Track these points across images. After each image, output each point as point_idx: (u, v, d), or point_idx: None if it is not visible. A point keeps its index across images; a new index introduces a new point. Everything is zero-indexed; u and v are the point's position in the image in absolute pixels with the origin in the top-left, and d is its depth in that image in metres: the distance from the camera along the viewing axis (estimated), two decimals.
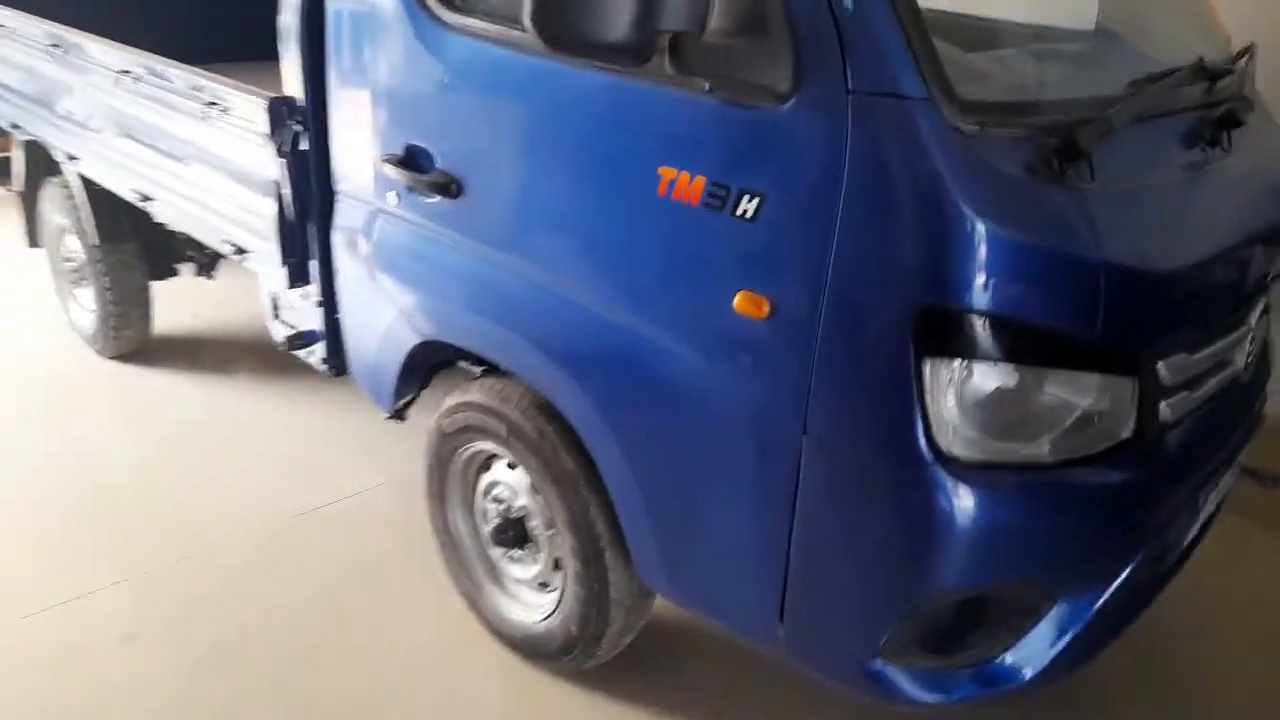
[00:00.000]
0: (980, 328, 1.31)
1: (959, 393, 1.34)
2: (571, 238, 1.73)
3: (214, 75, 2.50)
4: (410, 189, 1.99)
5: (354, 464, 3.16)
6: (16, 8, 3.40)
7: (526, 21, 1.40)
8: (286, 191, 2.32)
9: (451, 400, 2.20)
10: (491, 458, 2.24)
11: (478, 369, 2.22)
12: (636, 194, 1.57)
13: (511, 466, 2.18)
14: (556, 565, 2.17)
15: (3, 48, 3.54)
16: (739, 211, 1.44)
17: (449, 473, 2.32)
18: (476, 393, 2.12)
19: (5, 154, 3.97)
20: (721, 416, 1.58)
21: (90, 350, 3.87)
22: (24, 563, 2.64)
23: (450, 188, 1.89)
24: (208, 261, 3.63)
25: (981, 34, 1.88)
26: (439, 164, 1.91)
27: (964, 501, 1.36)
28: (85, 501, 2.91)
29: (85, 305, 3.88)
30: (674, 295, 1.58)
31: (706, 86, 1.44)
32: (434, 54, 1.87)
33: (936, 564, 1.42)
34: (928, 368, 1.33)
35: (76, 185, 3.41)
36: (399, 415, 2.41)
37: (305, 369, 2.72)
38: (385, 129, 2.01)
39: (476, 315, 1.98)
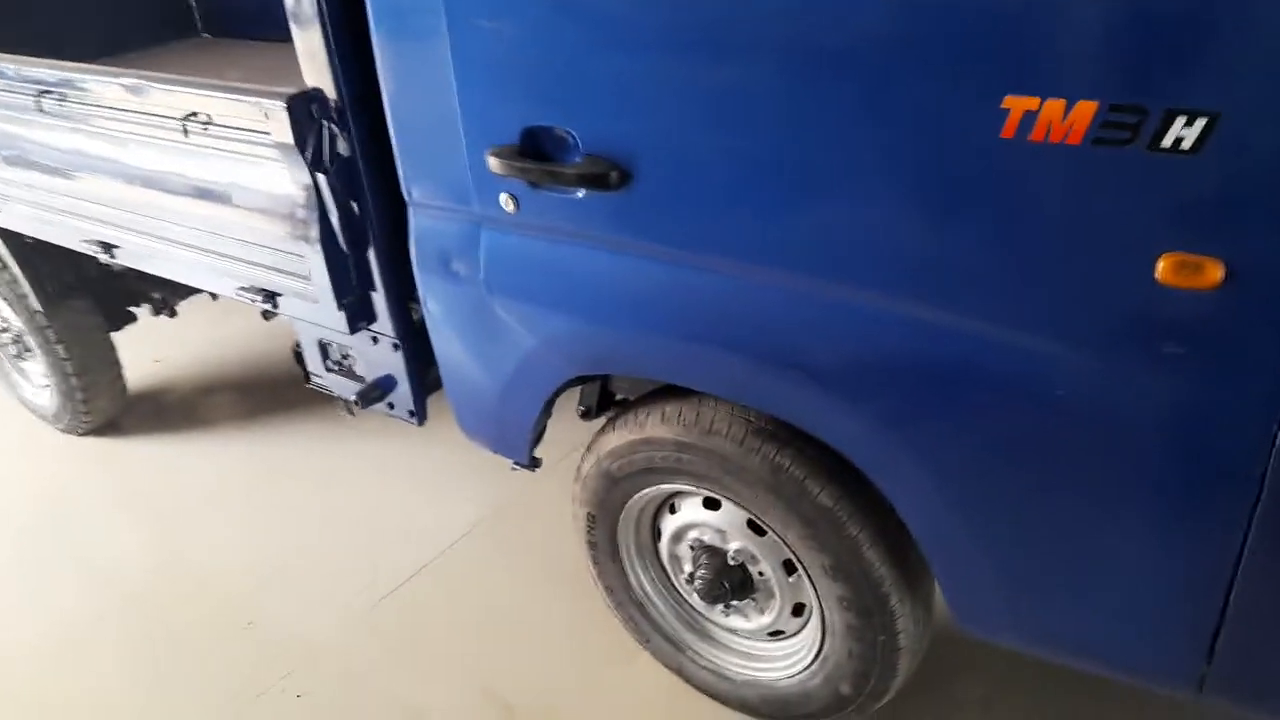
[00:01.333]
0: None
1: None
2: (843, 221, 1.23)
3: (176, 77, 1.86)
4: (536, 185, 1.46)
5: (430, 507, 2.67)
6: None
7: None
8: (333, 215, 1.75)
9: (618, 438, 1.72)
10: (674, 495, 1.79)
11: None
12: (964, 142, 1.08)
13: (712, 505, 1.73)
14: (796, 612, 1.76)
15: None
16: (1167, 141, 0.97)
17: (619, 523, 1.86)
18: (661, 427, 1.64)
19: None
20: (1122, 427, 1.15)
21: (58, 432, 3.22)
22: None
23: (609, 177, 1.36)
24: (168, 298, 3.00)
25: None
26: (586, 147, 1.37)
27: None
28: (140, 631, 2.37)
29: (37, 381, 3.21)
30: (1039, 276, 1.12)
31: None
32: None
33: None
34: None
35: None
36: (534, 463, 1.93)
37: (313, 403, 2.20)
38: (487, 110, 1.46)
39: (667, 336, 1.49)
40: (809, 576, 1.62)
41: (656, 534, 1.89)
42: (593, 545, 1.93)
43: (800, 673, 1.75)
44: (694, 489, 1.71)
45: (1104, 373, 1.13)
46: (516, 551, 2.46)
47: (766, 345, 1.38)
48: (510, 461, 1.95)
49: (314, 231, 1.77)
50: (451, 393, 1.94)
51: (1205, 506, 1.15)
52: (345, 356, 2.10)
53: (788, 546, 1.61)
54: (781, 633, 1.81)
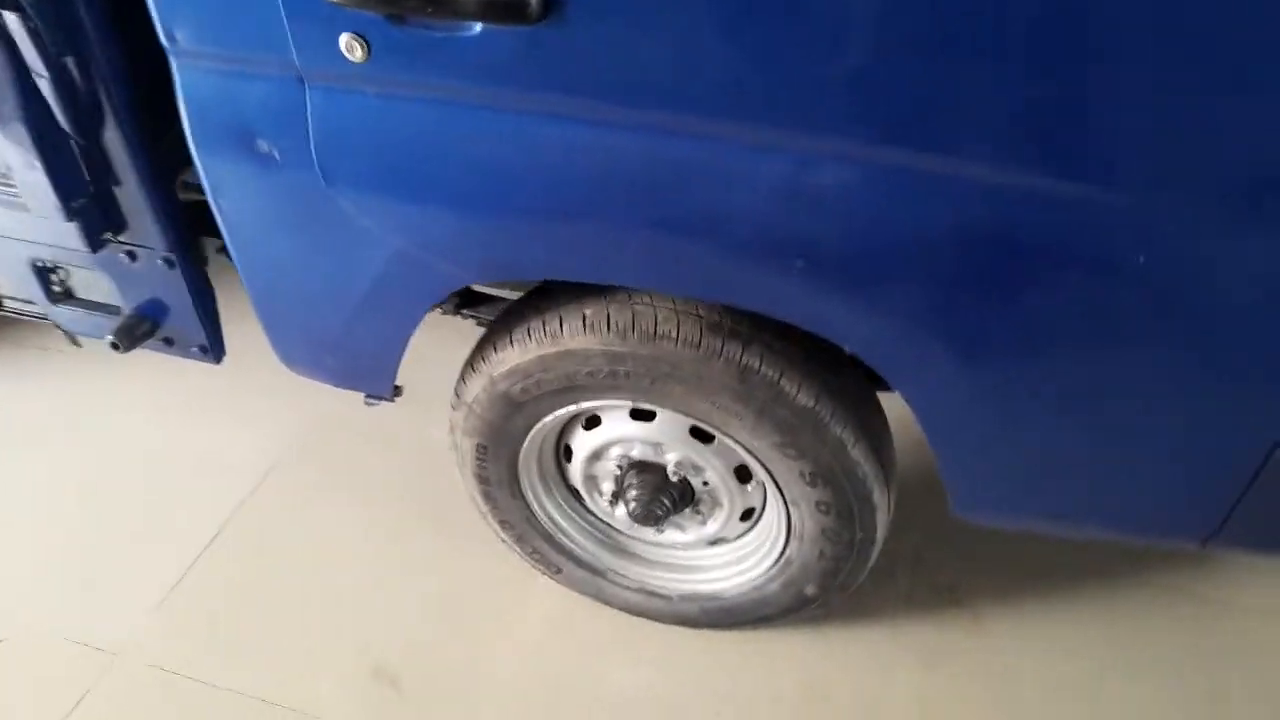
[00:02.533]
0: None
1: None
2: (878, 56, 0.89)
3: None
4: (399, 19, 0.97)
5: (220, 449, 2.12)
6: None
7: None
8: (42, 77, 1.12)
9: (520, 354, 1.34)
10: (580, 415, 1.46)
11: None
12: None
13: (642, 416, 1.43)
14: (744, 517, 1.54)
15: None
16: None
17: (521, 451, 1.50)
18: (585, 337, 1.28)
19: None
20: (1178, 291, 0.98)
21: None
22: None
23: (527, 8, 0.92)
24: None
25: None
26: None
27: None
28: None
29: None
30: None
31: None
32: None
33: None
34: None
35: None
36: (396, 392, 1.49)
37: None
38: None
39: (615, 225, 1.10)
40: (777, 485, 1.39)
41: (566, 454, 1.57)
42: (484, 480, 1.56)
43: (755, 579, 1.55)
44: (623, 403, 1.39)
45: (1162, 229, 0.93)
46: (342, 492, 2.02)
47: (758, 227, 1.05)
48: (362, 395, 1.50)
49: (9, 105, 1.14)
50: (265, 317, 1.42)
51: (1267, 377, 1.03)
52: (87, 285, 1.48)
53: (750, 454, 1.36)
54: (724, 539, 1.60)
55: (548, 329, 1.32)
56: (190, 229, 1.40)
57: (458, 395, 1.48)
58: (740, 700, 1.62)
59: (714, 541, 1.60)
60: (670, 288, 1.20)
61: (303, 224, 1.23)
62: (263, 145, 1.15)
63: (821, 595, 1.52)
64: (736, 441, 1.35)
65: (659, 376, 1.28)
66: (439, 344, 1.66)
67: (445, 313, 1.64)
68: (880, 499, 1.37)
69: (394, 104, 1.07)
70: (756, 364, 1.24)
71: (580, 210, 1.09)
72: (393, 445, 2.11)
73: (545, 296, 1.37)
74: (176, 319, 1.47)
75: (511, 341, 1.36)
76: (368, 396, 1.50)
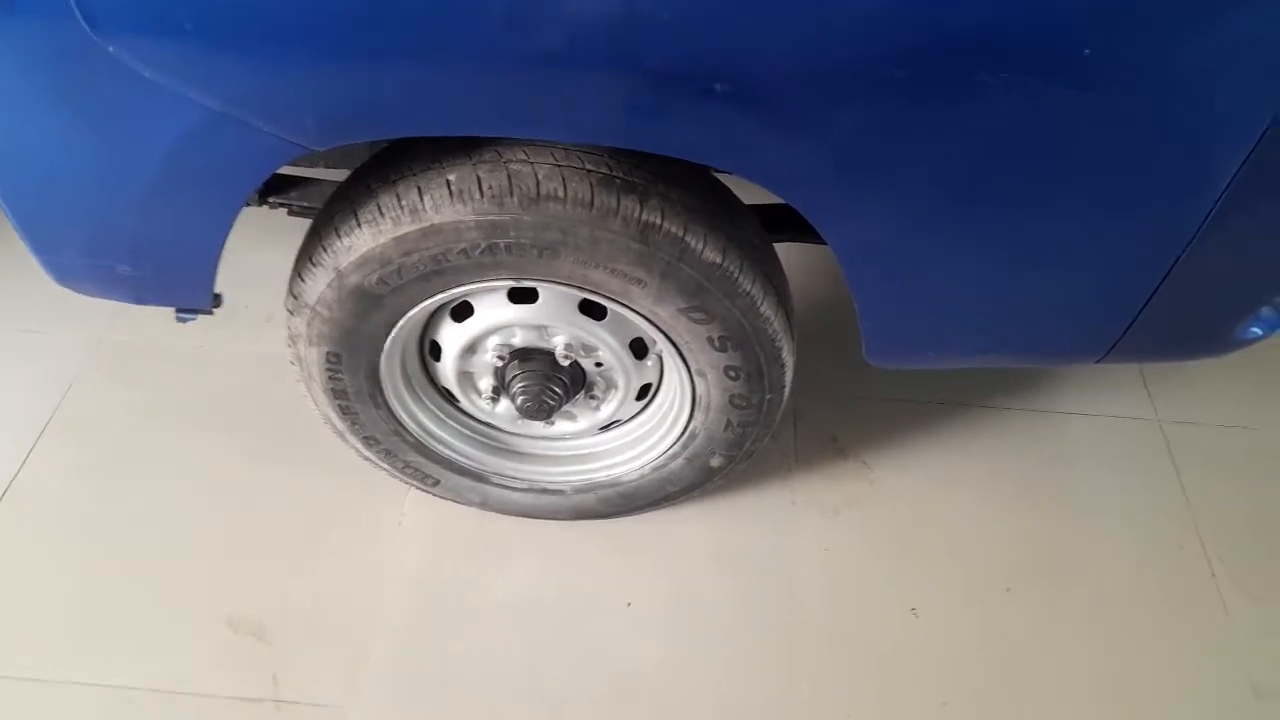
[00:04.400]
0: None
1: None
2: None
3: None
4: None
5: None
6: None
7: None
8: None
9: (373, 237, 1.11)
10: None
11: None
12: None
13: (521, 299, 1.25)
14: (639, 396, 1.41)
15: None
16: None
17: (383, 354, 1.28)
18: (454, 207, 1.07)
19: None
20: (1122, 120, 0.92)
21: None
22: None
23: None
24: None
25: None
26: None
27: None
28: None
29: None
30: None
31: None
32: None
33: None
34: None
35: None
36: (216, 302, 1.22)
37: None
38: None
39: (498, 59, 0.89)
40: (681, 355, 1.27)
41: (434, 352, 1.36)
42: (339, 394, 1.34)
43: (655, 459, 1.45)
44: (500, 284, 1.20)
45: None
46: (156, 429, 1.71)
47: (673, 42, 0.88)
48: (171, 311, 1.22)
49: None
50: (23, 224, 1.09)
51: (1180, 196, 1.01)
52: None
53: (652, 323, 1.22)
54: (619, 422, 1.48)
55: (404, 203, 1.09)
56: None
57: (295, 296, 1.23)
58: (653, 585, 1.54)
59: (607, 426, 1.48)
60: (559, 131, 1.00)
61: (61, 90, 0.93)
62: None
63: (727, 465, 1.44)
64: (635, 312, 1.21)
65: (547, 246, 1.11)
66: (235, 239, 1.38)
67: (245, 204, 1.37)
68: (788, 355, 1.28)
69: None
70: (658, 219, 1.09)
71: (449, 40, 0.88)
72: (205, 365, 1.81)
73: (391, 164, 1.13)
74: None
75: (359, 223, 1.13)
76: (179, 311, 1.22)
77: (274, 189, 1.42)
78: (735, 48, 0.87)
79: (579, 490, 1.51)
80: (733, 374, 1.27)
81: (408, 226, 1.10)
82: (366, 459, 1.48)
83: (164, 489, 1.62)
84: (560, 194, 1.07)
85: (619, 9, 0.84)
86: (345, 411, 1.37)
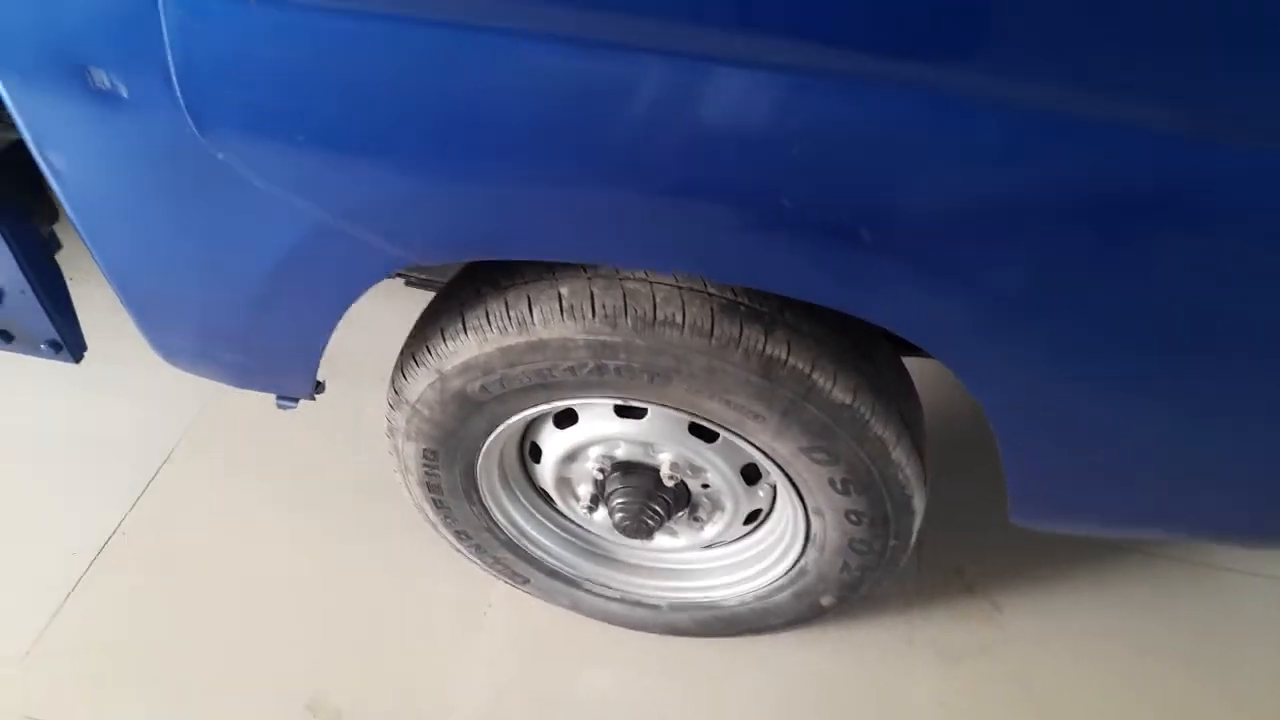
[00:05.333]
0: None
1: None
2: None
3: None
4: None
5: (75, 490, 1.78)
6: None
7: None
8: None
9: (477, 346, 1.04)
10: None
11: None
12: None
13: (628, 413, 1.16)
14: (748, 519, 1.30)
15: None
16: None
17: (480, 457, 1.22)
18: (565, 324, 0.99)
19: None
20: None
21: None
22: None
23: None
24: None
25: None
26: None
27: None
28: None
29: None
30: None
31: None
32: None
33: None
34: None
35: None
36: (319, 389, 1.18)
37: None
38: None
39: (634, 185, 0.81)
40: (796, 490, 1.15)
41: (534, 454, 1.30)
42: (433, 489, 1.28)
43: (759, 589, 1.33)
44: (606, 401, 1.12)
45: None
46: (252, 489, 1.71)
47: (813, 191, 0.77)
48: (272, 398, 1.19)
49: None
50: (133, 306, 1.08)
51: None
52: None
53: (767, 456, 1.11)
54: (722, 543, 1.37)
55: (513, 314, 1.03)
56: (16, 186, 1.05)
57: (396, 392, 1.18)
58: (744, 715, 1.42)
59: (710, 545, 1.37)
60: (689, 264, 0.91)
61: (171, 186, 0.90)
62: (100, 78, 0.81)
63: (838, 605, 1.31)
64: (750, 444, 1.10)
65: (659, 372, 1.02)
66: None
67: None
68: (919, 503, 1.15)
69: (294, 13, 0.74)
70: (783, 353, 0.98)
71: (574, 167, 0.80)
72: (314, 426, 1.80)
73: (501, 268, 1.07)
74: (12, 307, 1.12)
75: (465, 329, 1.07)
76: (280, 398, 1.19)
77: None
78: (890, 195, 0.76)
79: (675, 608, 1.40)
80: (854, 519, 1.14)
81: (514, 338, 1.03)
82: (457, 550, 1.42)
83: (256, 549, 1.60)
84: (678, 320, 0.98)
85: (762, 148, 0.74)
86: (439, 505, 1.32)
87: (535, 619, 1.51)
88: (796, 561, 1.26)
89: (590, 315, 0.99)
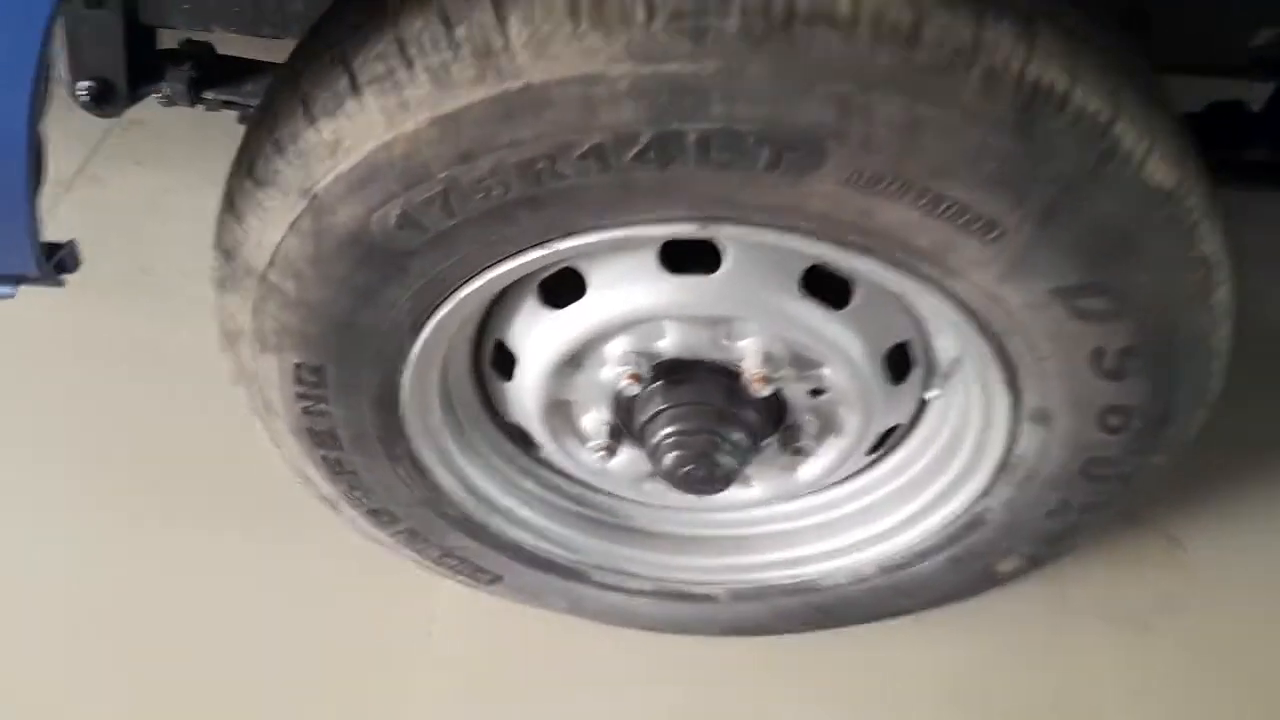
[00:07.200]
0: None
1: None
2: None
3: None
4: None
5: None
6: None
7: None
8: None
9: (382, 124, 0.48)
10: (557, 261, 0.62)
11: None
12: None
13: (682, 264, 0.61)
14: (877, 445, 0.77)
15: None
16: None
17: (404, 370, 0.65)
18: (562, 44, 0.44)
19: None
20: None
21: None
22: None
23: None
24: None
25: None
26: None
27: None
28: None
29: None
30: None
31: None
32: None
33: None
34: None
35: None
36: (60, 270, 0.58)
37: None
38: None
39: None
40: (1012, 379, 0.62)
41: (502, 362, 0.73)
42: (322, 439, 0.71)
43: (892, 554, 0.80)
44: (658, 229, 0.56)
45: None
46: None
47: None
48: None
49: None
50: None
51: None
52: None
53: (974, 316, 0.58)
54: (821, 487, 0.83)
55: (461, 30, 0.46)
56: None
57: (226, 254, 0.60)
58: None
59: (804, 492, 0.84)
60: None
61: None
62: None
63: (1024, 572, 0.81)
64: (946, 294, 0.57)
65: (797, 142, 0.47)
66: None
67: (167, 100, 0.75)
68: (1217, 385, 0.64)
69: None
70: (1064, 82, 0.46)
71: None
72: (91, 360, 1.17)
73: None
74: None
75: (354, 86, 0.50)
76: None
77: (209, 80, 0.79)
78: None
79: (741, 597, 0.87)
80: (1116, 423, 0.63)
81: (468, 89, 0.46)
82: (376, 541, 0.85)
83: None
84: (847, 8, 0.43)
85: None
86: (335, 468, 0.74)
87: (506, 634, 0.96)
88: (972, 505, 0.74)
89: (645, 15, 0.44)
